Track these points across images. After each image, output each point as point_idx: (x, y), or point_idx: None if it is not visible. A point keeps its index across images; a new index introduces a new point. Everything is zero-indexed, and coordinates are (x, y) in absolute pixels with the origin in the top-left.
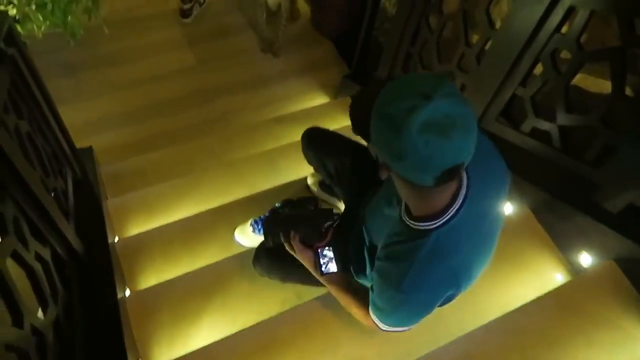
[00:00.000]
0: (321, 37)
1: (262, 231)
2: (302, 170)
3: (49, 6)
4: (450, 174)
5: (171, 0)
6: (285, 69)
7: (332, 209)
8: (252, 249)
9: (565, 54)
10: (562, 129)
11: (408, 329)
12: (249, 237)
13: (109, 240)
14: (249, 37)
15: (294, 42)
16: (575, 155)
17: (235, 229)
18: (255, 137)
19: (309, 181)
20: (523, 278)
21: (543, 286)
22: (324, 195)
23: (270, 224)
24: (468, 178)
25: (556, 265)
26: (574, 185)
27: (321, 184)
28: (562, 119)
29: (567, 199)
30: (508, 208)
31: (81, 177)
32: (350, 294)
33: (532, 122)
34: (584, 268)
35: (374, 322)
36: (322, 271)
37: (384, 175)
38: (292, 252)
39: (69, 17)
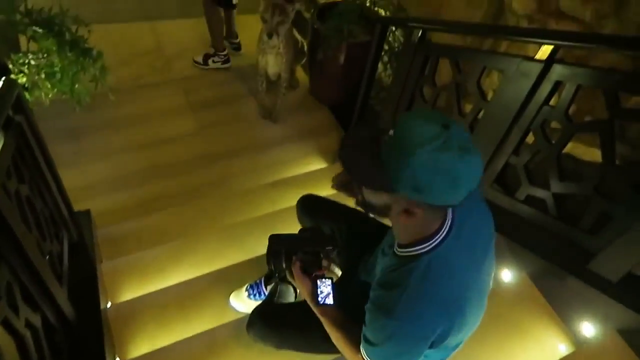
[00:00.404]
0: (319, 104)
1: (257, 297)
2: None
3: (58, 75)
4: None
5: (175, 69)
6: (284, 135)
7: (332, 235)
8: (247, 314)
9: (556, 123)
10: (556, 197)
11: None
12: (244, 302)
13: (102, 306)
14: (249, 105)
15: (292, 109)
16: (571, 223)
17: (230, 294)
18: (252, 201)
19: None
20: (526, 347)
21: (546, 356)
22: None
23: (271, 247)
24: (452, 210)
25: (559, 335)
26: (572, 253)
27: None
28: (556, 187)
29: (565, 267)
30: (507, 276)
31: (77, 240)
32: (343, 330)
33: (527, 189)
34: (587, 338)
35: (364, 358)
36: (318, 301)
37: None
38: (291, 279)
39: (77, 85)
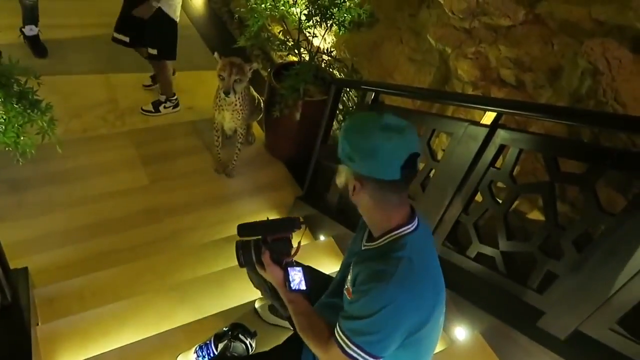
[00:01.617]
0: (275, 159)
1: (207, 358)
2: (253, 292)
3: (2, 127)
4: (411, 164)
5: (128, 122)
6: (239, 190)
7: (297, 218)
8: None
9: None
10: (505, 255)
11: (365, 357)
12: None
13: None
14: (204, 159)
15: (248, 163)
16: (519, 281)
17: (177, 357)
18: (205, 257)
19: (257, 305)
20: None
21: None
22: (272, 319)
23: (240, 239)
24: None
25: None
26: (521, 310)
27: (270, 307)
28: (504, 245)
29: (516, 324)
30: (461, 334)
31: (11, 302)
32: (312, 318)
33: (477, 247)
34: None
35: (338, 341)
36: (290, 288)
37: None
38: (261, 270)
39: (22, 137)
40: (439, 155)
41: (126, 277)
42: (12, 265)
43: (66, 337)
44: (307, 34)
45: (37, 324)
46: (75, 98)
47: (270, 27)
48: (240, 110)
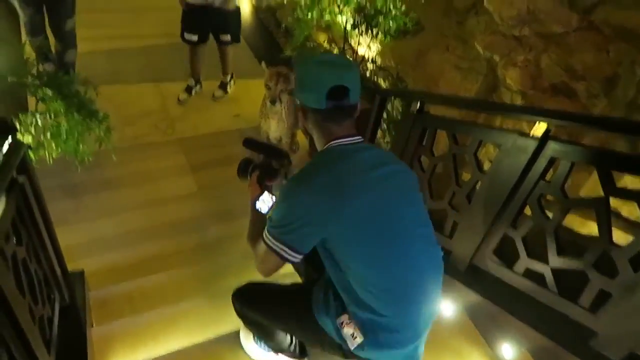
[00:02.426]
0: None
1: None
2: None
3: (64, 135)
4: (336, 93)
5: (178, 130)
6: None
7: (287, 154)
8: None
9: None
10: (555, 272)
11: (288, 252)
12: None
13: None
14: None
15: (292, 171)
16: (570, 299)
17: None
18: (249, 266)
19: None
20: None
21: None
22: None
23: (245, 145)
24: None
25: None
26: (571, 330)
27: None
28: (555, 261)
29: (565, 343)
30: (508, 352)
31: (69, 303)
32: (260, 230)
33: (525, 262)
34: None
35: (264, 240)
36: (254, 204)
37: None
38: (244, 181)
39: (81, 145)
40: (486, 167)
41: (173, 282)
42: (70, 267)
43: (119, 339)
44: (353, 43)
45: (92, 326)
46: (128, 107)
47: (315, 36)
48: (286, 119)
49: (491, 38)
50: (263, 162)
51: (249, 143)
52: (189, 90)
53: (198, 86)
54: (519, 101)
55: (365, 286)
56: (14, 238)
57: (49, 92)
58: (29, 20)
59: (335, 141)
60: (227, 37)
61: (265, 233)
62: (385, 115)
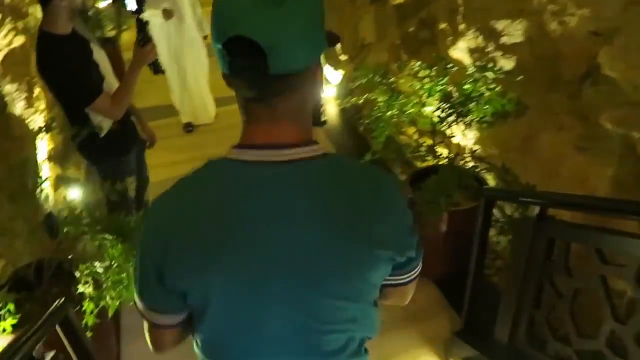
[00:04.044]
0: (424, 279)
1: None
2: None
3: (125, 282)
4: (239, 51)
5: None
6: (384, 320)
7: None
8: None
9: None
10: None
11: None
12: None
13: None
14: None
15: None
16: None
17: None
18: None
19: None
20: None
21: None
22: None
23: None
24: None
25: None
26: None
27: None
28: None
29: None
30: None
31: None
32: None
33: None
34: None
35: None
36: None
37: None
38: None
39: None
40: None
41: None
42: None
43: None
44: (444, 135)
45: None
46: None
47: (404, 130)
48: None
49: (622, 111)
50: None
51: None
52: None
53: None
54: None
55: None
56: None
57: (109, 236)
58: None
59: (242, 149)
60: None
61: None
62: (498, 213)
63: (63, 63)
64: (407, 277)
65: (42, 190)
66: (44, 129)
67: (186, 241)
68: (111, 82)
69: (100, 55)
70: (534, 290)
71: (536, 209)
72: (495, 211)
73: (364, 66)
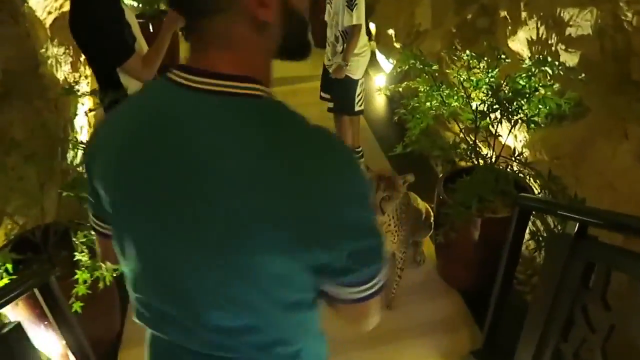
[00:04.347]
0: (449, 287)
1: None
2: None
3: None
4: None
5: None
6: (400, 326)
7: None
8: None
9: None
10: None
11: None
12: None
13: None
14: None
15: (413, 291)
16: None
17: None
18: None
19: None
20: None
21: None
22: None
23: None
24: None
25: None
26: None
27: None
28: None
29: None
30: None
31: None
32: None
33: None
34: None
35: None
36: None
37: None
38: None
39: None
40: None
41: None
42: None
43: None
44: (489, 132)
45: None
46: None
47: (450, 126)
48: (396, 231)
49: None
50: None
51: None
52: None
53: None
54: None
55: None
56: None
57: None
58: None
59: (178, 71)
60: (331, 105)
61: None
62: (533, 227)
63: (97, 21)
64: (362, 292)
65: (75, 154)
66: (69, 90)
67: (104, 158)
68: (142, 45)
69: (132, 18)
70: (563, 320)
71: (576, 226)
72: (538, 223)
73: (405, 51)
